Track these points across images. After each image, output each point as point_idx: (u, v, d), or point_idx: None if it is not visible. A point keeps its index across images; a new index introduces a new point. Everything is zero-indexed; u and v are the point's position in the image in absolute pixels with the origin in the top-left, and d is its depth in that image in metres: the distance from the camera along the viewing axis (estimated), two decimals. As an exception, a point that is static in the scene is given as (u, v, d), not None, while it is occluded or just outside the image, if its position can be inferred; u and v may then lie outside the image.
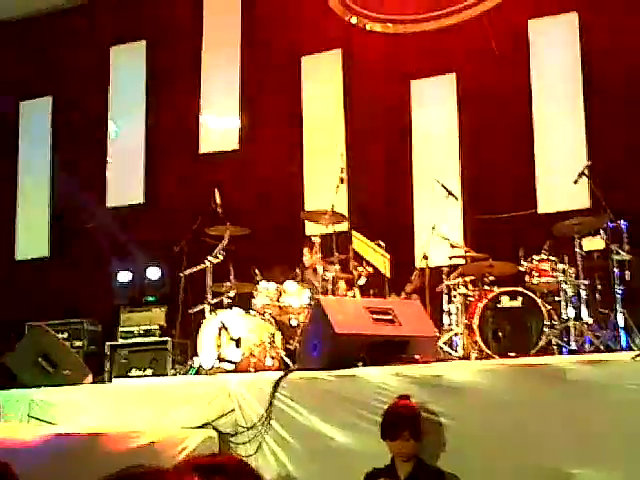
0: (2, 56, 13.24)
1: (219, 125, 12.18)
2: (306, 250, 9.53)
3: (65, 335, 10.54)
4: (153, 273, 11.16)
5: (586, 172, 8.62)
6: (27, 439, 6.83)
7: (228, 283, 9.39)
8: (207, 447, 6.72)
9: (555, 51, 10.63)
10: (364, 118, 11.25)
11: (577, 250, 8.23)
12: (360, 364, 6.99)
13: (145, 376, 9.55)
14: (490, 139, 10.46)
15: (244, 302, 9.17)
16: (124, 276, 11.34)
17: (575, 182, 8.66)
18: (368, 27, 11.66)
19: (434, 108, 11.10)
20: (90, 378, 8.86)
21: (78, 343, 10.73)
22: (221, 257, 9.41)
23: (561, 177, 9.64)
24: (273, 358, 8.45)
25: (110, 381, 9.50)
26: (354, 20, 11.73)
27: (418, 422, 6.02)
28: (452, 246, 9.22)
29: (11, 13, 13.20)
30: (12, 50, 13.20)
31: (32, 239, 13.00)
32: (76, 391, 8.16)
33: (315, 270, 9.18)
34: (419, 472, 5.91)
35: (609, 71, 10.08)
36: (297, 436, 6.78)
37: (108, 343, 10.44)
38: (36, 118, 13.42)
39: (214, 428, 7.01)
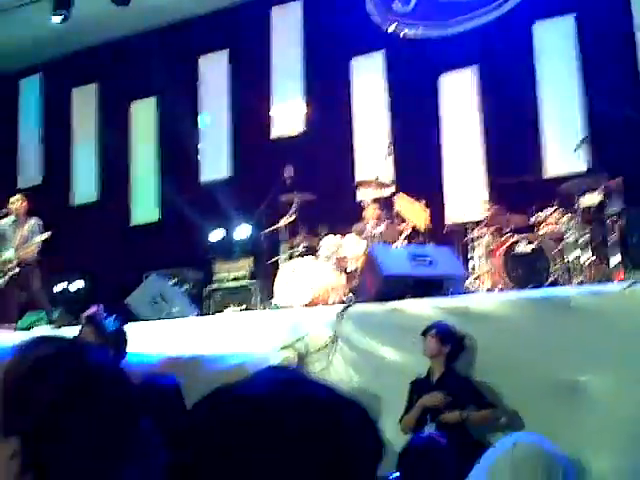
0: (116, 65, 13.35)
1: (287, 114, 12.17)
2: (365, 211, 9.53)
3: (174, 281, 10.65)
4: (241, 232, 11.17)
5: (584, 142, 8.59)
6: (146, 362, 6.94)
7: (299, 238, 9.47)
8: (288, 364, 6.81)
9: (555, 46, 10.47)
10: (404, 105, 11.19)
11: (577, 205, 8.17)
12: (405, 297, 7.03)
13: (236, 312, 9.62)
14: (506, 118, 10.34)
15: (312, 252, 9.23)
16: (218, 235, 11.36)
17: (575, 150, 8.63)
18: (403, 33, 11.55)
19: (460, 96, 11.00)
20: (195, 313, 8.99)
21: (185, 287, 10.80)
22: (293, 218, 9.47)
23: (564, 147, 9.54)
24: (336, 296, 8.51)
25: (209, 316, 9.60)
26: (392, 28, 11.63)
27: (450, 331, 6.04)
28: (477, 204, 9.19)
29: (119, 33, 13.28)
30: (124, 60, 13.28)
31: (146, 208, 13.18)
32: (184, 323, 8.31)
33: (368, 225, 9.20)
34: (447, 376, 5.98)
35: (600, 58, 9.92)
36: (357, 354, 6.86)
37: (207, 287, 10.57)
38: (144, 114, 13.53)
39: (292, 349, 7.11)
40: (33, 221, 9.71)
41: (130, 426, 1.19)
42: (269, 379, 1.04)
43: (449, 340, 6.06)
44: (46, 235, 9.48)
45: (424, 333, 6.06)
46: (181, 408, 3.06)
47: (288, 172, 9.82)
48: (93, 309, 4.82)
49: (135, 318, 8.59)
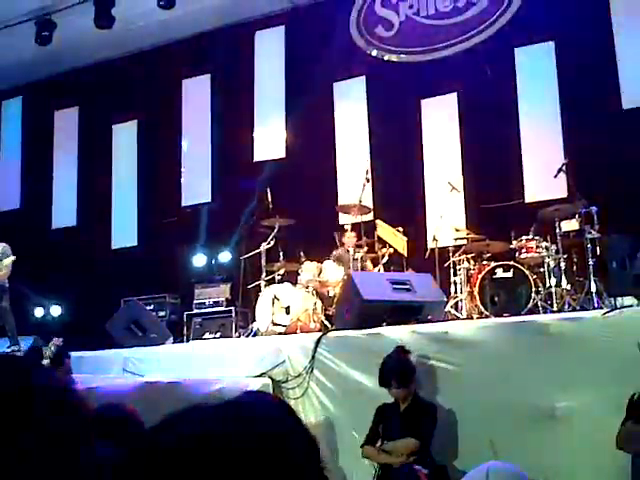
0: (98, 88, 13.36)
1: (269, 138, 12.19)
2: (338, 235, 9.56)
3: (151, 307, 10.62)
4: (223, 257, 11.15)
5: (564, 168, 8.63)
6: (122, 387, 6.91)
7: (278, 263, 9.47)
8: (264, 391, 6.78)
9: (537, 73, 10.57)
10: (384, 130, 11.23)
11: (557, 231, 8.23)
12: (384, 324, 7.02)
13: (215, 338, 9.59)
14: (486, 144, 10.39)
15: (292, 278, 9.24)
16: (198, 260, 11.37)
17: (555, 176, 8.67)
18: (386, 58, 11.63)
19: (440, 121, 11.05)
20: (171, 340, 8.97)
21: (162, 313, 10.74)
22: (272, 243, 9.49)
23: (543, 173, 9.58)
24: (315, 322, 8.53)
25: (187, 342, 9.58)
26: (375, 53, 11.71)
27: (405, 372, 6.00)
28: (456, 230, 9.26)
29: (101, 57, 13.30)
30: (106, 83, 13.29)
31: (124, 232, 13.12)
32: (160, 350, 8.27)
33: (348, 251, 9.21)
34: (415, 406, 5.95)
35: (580, 86, 10.00)
36: (334, 382, 6.85)
37: (186, 313, 10.53)
38: (125, 138, 13.53)
39: (269, 377, 7.09)
40: (1, 245, 9.63)
41: (80, 449, 1.18)
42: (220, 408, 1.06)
43: (410, 379, 6.00)
44: (12, 258, 9.38)
45: (383, 384, 6.00)
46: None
47: (269, 196, 9.84)
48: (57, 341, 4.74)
49: (113, 344, 8.59)
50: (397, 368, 5.99)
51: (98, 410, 2.91)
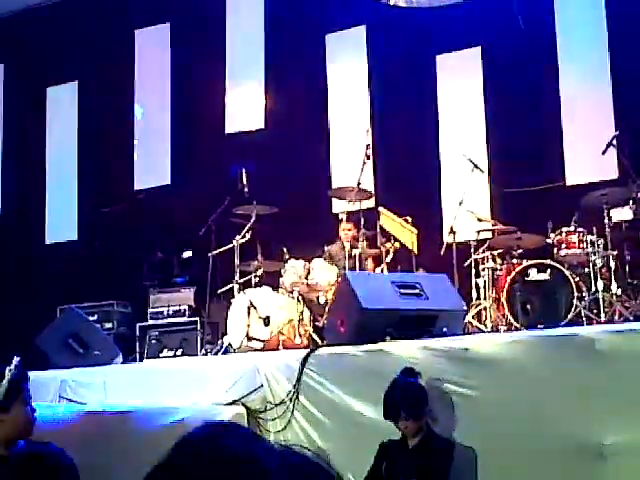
0: (29, 42, 13.31)
1: (245, 104, 12.17)
2: (340, 229, 9.56)
3: (95, 317, 10.62)
4: (186, 254, 11.14)
5: (614, 142, 8.61)
6: (59, 419, 6.90)
7: (256, 262, 9.45)
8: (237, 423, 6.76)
9: (581, 23, 10.55)
10: (389, 94, 11.22)
11: (606, 221, 8.22)
12: (388, 338, 7.00)
13: (176, 356, 9.57)
14: (516, 112, 10.40)
15: (272, 280, 9.25)
16: (154, 258, 11.36)
17: (603, 153, 8.67)
18: (392, 2, 11.62)
19: (460, 82, 11.05)
20: (120, 358, 8.95)
21: (108, 325, 10.78)
22: (248, 236, 9.45)
23: (589, 148, 9.59)
24: (302, 335, 8.53)
25: (141, 361, 9.56)
26: (377, -4, 11.71)
27: (415, 400, 5.97)
28: (479, 220, 9.23)
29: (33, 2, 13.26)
30: (38, 35, 13.25)
31: (61, 223, 13.08)
32: (106, 371, 8.25)
33: (343, 247, 9.20)
34: (427, 443, 5.90)
35: (635, 38, 9.99)
36: (326, 412, 6.82)
37: (138, 324, 10.49)
38: (63, 103, 13.48)
39: (243, 405, 7.08)
40: None
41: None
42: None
43: (421, 409, 5.98)
44: None
45: (391, 418, 5.97)
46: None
47: (243, 178, 9.82)
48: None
49: (47, 364, 8.57)
50: (405, 395, 5.97)
51: (18, 450, 2.90)
